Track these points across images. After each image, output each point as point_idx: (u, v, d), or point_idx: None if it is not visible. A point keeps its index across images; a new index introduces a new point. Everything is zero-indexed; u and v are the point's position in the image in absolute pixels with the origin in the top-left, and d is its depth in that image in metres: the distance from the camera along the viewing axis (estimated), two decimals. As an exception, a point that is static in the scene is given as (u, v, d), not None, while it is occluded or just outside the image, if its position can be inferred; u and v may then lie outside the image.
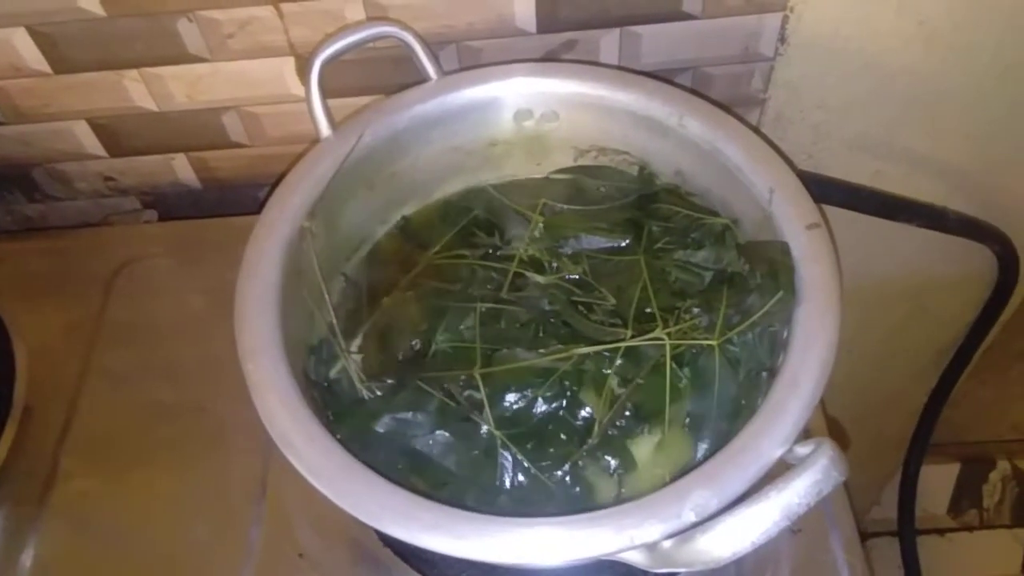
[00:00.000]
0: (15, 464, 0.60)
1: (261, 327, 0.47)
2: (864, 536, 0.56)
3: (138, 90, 0.67)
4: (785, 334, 0.47)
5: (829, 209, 0.67)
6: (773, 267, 0.49)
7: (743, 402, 0.47)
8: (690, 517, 0.39)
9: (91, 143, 0.71)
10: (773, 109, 0.71)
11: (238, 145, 0.72)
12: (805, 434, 0.43)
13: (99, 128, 0.70)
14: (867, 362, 1.00)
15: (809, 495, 0.36)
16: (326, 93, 0.56)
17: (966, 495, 1.51)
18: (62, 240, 0.75)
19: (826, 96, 0.70)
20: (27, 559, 0.57)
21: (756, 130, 0.54)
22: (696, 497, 0.40)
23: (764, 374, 0.47)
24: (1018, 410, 1.46)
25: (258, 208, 0.77)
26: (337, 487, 0.42)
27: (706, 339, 0.48)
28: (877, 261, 0.86)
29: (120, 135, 0.71)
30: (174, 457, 0.61)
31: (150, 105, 0.68)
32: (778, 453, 0.41)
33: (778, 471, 0.41)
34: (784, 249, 0.49)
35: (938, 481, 1.50)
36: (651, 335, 0.49)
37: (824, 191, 0.69)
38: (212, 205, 0.77)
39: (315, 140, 0.56)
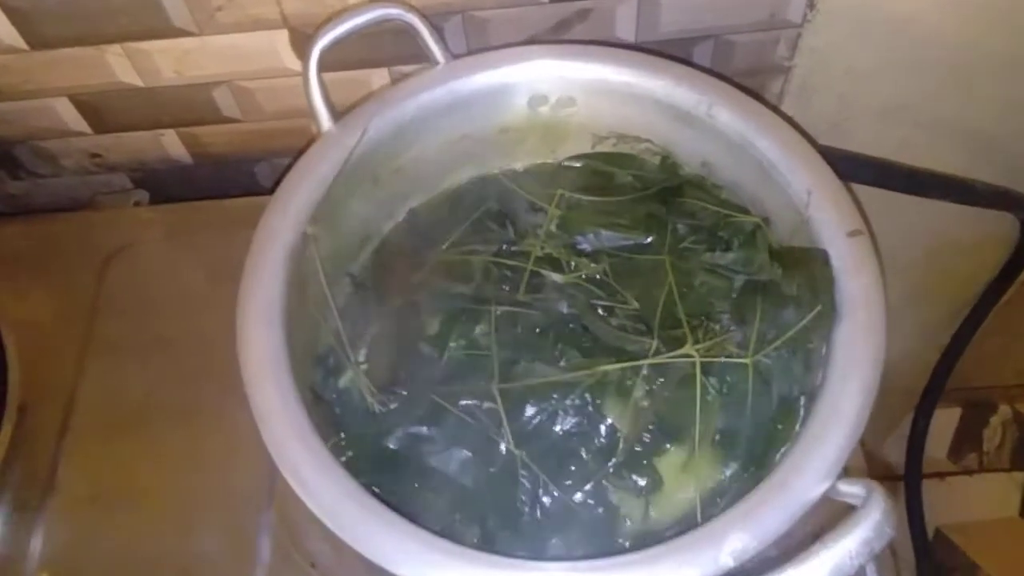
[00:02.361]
0: (11, 468, 0.57)
1: (265, 349, 0.44)
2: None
3: (122, 65, 0.62)
4: (823, 351, 0.44)
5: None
6: (811, 278, 0.46)
7: (779, 426, 0.45)
8: (728, 562, 0.37)
9: (74, 120, 0.67)
10: (798, 77, 0.67)
11: (231, 120, 0.68)
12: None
13: (82, 105, 0.66)
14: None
15: (861, 554, 0.34)
16: (323, 68, 0.52)
17: (967, 439, 1.51)
18: (50, 224, 0.70)
19: (853, 63, 0.66)
20: (28, 570, 0.55)
21: (795, 124, 0.50)
22: (734, 540, 0.38)
23: (802, 397, 0.45)
24: (1022, 356, 1.44)
25: (254, 186, 0.73)
26: (353, 530, 0.39)
27: (738, 355, 0.46)
28: (896, 223, 0.83)
29: (104, 111, 0.66)
30: (177, 460, 0.58)
31: (135, 80, 0.64)
32: (820, 490, 0.39)
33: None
34: (823, 258, 0.46)
35: (939, 426, 1.49)
36: (680, 351, 0.46)
37: (852, 169, 0.66)
38: (205, 181, 0.73)
39: (316, 134, 0.52)
